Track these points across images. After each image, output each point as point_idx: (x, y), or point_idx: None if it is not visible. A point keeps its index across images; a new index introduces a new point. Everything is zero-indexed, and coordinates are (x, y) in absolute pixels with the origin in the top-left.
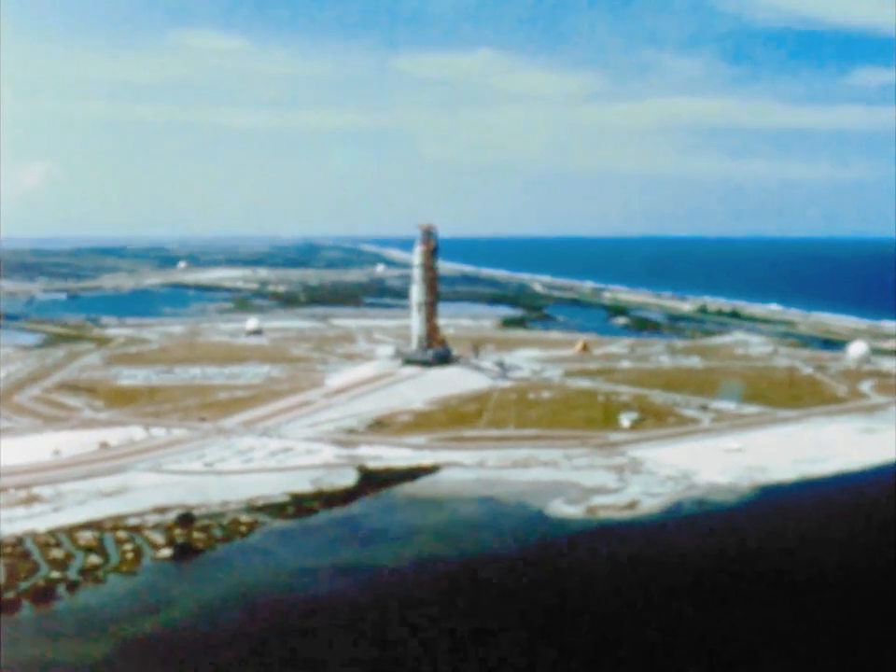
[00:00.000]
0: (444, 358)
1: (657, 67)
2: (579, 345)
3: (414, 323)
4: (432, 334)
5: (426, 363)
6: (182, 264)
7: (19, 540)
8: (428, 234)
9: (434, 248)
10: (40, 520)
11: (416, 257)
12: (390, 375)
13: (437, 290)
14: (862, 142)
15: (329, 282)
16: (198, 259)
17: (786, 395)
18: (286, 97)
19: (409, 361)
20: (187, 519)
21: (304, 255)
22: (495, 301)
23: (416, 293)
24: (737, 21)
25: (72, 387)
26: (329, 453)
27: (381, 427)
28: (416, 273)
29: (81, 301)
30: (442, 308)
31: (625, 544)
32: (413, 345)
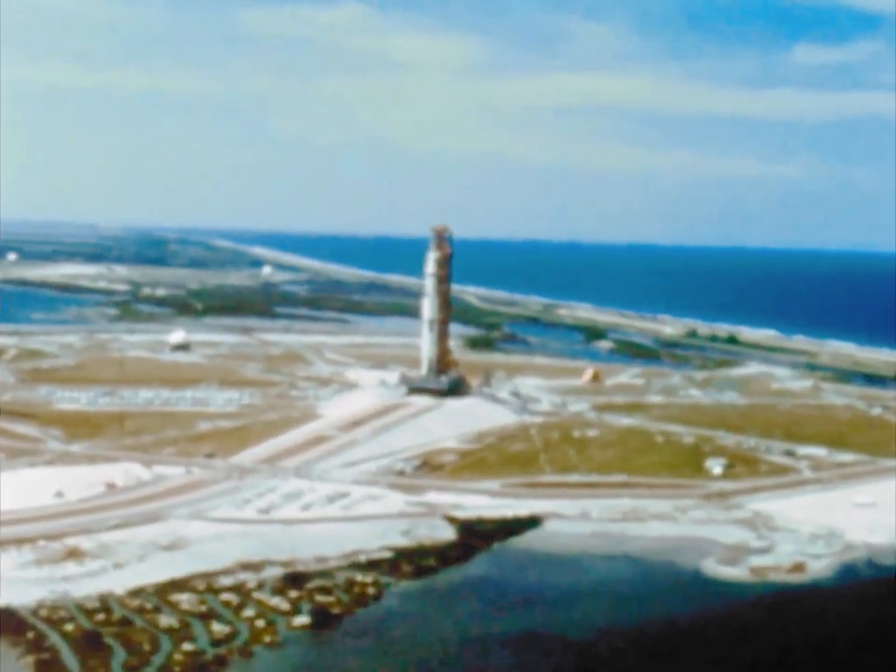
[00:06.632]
0: (458, 387)
1: (559, 36)
2: (588, 374)
3: (424, 344)
4: (443, 357)
5: (439, 392)
6: (12, 256)
7: (103, 605)
8: (442, 238)
9: (449, 255)
10: (107, 579)
11: (428, 265)
12: (402, 407)
13: (450, 306)
14: (806, 133)
15: (213, 285)
16: (22, 249)
17: (870, 440)
18: (101, 50)
19: (418, 389)
20: (298, 579)
21: (153, 250)
22: None
23: (428, 308)
24: None
25: (5, 412)
26: (397, 499)
27: (431, 468)
28: (428, 285)
29: None
30: (378, 323)
31: (839, 613)
32: (423, 370)
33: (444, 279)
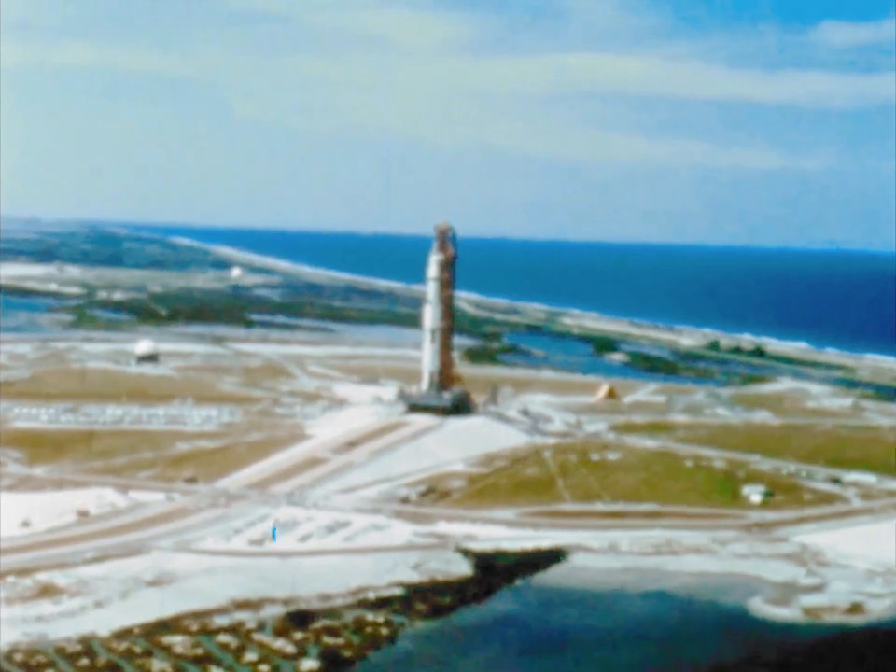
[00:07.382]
0: (462, 404)
1: (556, 12)
2: (603, 391)
3: (426, 355)
4: (446, 371)
5: (442, 410)
6: None
7: (86, 649)
8: (445, 238)
9: (453, 258)
10: (88, 619)
11: (431, 268)
12: (401, 426)
13: (453, 314)
14: (831, 121)
15: (177, 289)
16: None
17: None
18: (47, 23)
19: (418, 407)
20: (303, 618)
21: (106, 247)
22: None
23: (429, 316)
24: None
25: None
26: (403, 530)
27: (438, 495)
28: (430, 290)
29: None
30: (365, 332)
31: None
32: (424, 385)
33: (448, 284)
